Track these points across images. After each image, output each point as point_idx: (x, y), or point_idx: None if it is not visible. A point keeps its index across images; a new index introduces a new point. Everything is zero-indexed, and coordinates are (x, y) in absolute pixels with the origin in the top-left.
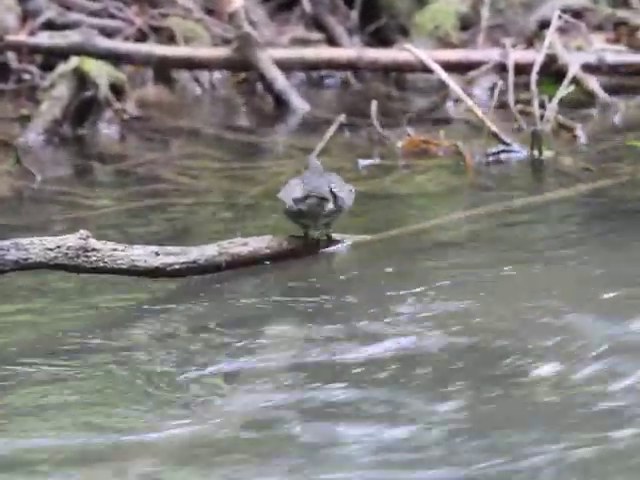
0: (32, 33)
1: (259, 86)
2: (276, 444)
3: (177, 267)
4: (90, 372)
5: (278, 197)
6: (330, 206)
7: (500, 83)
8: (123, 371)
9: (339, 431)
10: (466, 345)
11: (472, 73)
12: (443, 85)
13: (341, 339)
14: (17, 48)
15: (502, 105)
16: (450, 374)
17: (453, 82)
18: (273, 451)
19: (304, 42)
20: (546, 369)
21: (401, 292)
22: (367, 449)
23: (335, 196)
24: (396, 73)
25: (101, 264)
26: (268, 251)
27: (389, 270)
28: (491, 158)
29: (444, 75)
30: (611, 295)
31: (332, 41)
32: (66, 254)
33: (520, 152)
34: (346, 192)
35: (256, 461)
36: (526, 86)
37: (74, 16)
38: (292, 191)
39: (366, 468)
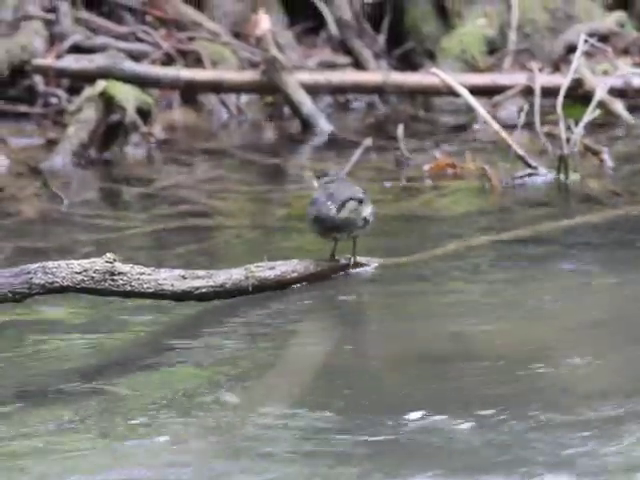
0: (59, 57)
1: (286, 109)
2: None
3: (204, 291)
4: None
5: (307, 213)
6: (368, 210)
7: (526, 107)
8: None
9: None
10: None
11: (498, 97)
12: (470, 108)
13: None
14: (44, 72)
15: (529, 128)
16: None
17: (480, 105)
18: None
19: (331, 66)
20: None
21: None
22: None
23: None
24: (422, 95)
25: (128, 288)
26: (295, 274)
27: (413, 293)
28: (517, 181)
29: (470, 98)
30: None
31: (359, 64)
32: (93, 278)
33: (546, 175)
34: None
35: None
36: (553, 109)
37: (101, 40)
38: (325, 202)
39: None
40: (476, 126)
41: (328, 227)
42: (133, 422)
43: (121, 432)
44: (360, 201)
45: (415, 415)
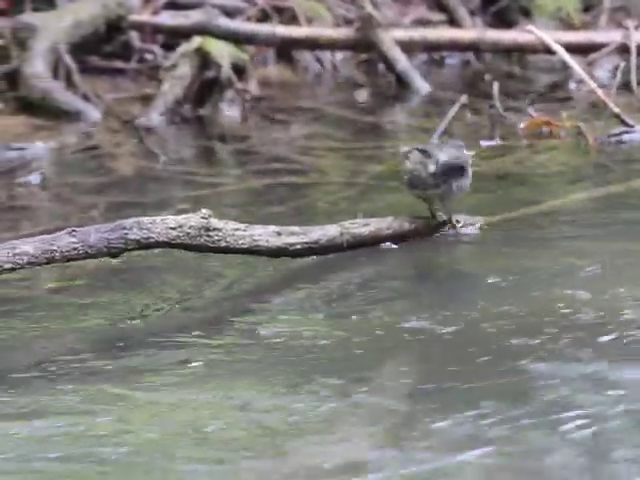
0: (155, 13)
1: (381, 66)
2: None
3: (299, 247)
4: None
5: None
6: (432, 167)
7: (622, 65)
8: None
9: None
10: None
11: (594, 55)
12: (565, 66)
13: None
14: (140, 28)
15: (625, 87)
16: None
17: (575, 63)
18: None
19: (426, 23)
20: None
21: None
22: None
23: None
24: (518, 53)
25: (223, 244)
26: (390, 232)
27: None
28: (614, 139)
29: (566, 56)
30: None
31: (454, 22)
32: (188, 234)
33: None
34: (467, 167)
35: None
36: None
37: None
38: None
39: None
40: (572, 84)
41: (406, 183)
42: None
43: None
44: (424, 152)
45: None
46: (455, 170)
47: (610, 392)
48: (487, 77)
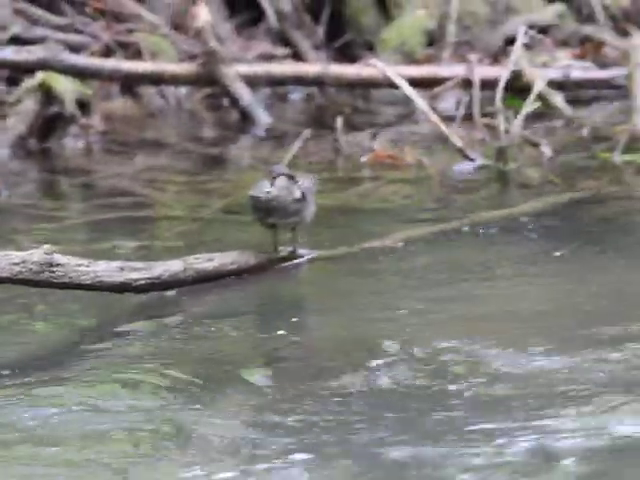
0: None
1: (225, 100)
2: None
3: (142, 283)
4: None
5: (248, 195)
6: (298, 193)
7: (465, 98)
8: None
9: None
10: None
11: (437, 89)
12: (409, 99)
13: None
14: None
15: (468, 119)
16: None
17: (419, 97)
18: None
19: (270, 57)
20: None
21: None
22: None
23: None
24: (362, 87)
25: (66, 279)
26: (234, 266)
27: (351, 286)
28: (456, 172)
29: (410, 90)
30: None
31: (298, 56)
32: (31, 269)
33: (485, 166)
34: (311, 199)
35: None
36: (492, 101)
37: (40, 31)
38: (261, 185)
39: None
40: (415, 118)
41: (261, 208)
42: None
43: None
44: (291, 178)
45: None
46: (308, 196)
47: None
48: (337, 114)
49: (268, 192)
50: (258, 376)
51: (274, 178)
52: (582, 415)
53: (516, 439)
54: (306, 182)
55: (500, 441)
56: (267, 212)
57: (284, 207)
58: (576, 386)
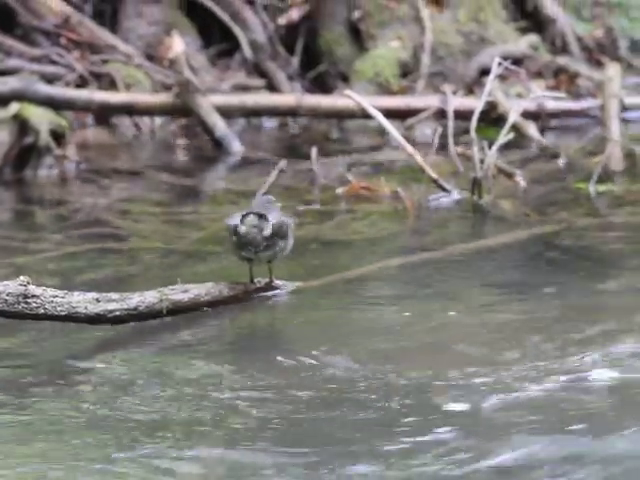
0: None
1: (199, 129)
2: None
3: (118, 314)
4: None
5: (224, 224)
6: (268, 230)
7: (440, 129)
8: None
9: None
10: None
11: (412, 119)
12: (383, 130)
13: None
14: None
15: (443, 150)
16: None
17: (393, 128)
18: None
19: (245, 88)
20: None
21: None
22: None
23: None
24: (336, 118)
25: (41, 311)
26: (209, 298)
27: (324, 317)
28: (431, 203)
29: (384, 121)
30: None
31: (273, 87)
32: (6, 301)
33: (460, 197)
34: (288, 229)
35: None
36: (467, 131)
37: (14, 62)
38: (235, 218)
39: None
40: (389, 148)
41: (234, 242)
42: None
43: None
44: (261, 216)
45: None
46: (282, 231)
47: None
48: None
49: (237, 228)
50: None
51: (244, 216)
52: None
53: None
54: (283, 217)
55: None
56: (239, 246)
57: (255, 243)
58: None
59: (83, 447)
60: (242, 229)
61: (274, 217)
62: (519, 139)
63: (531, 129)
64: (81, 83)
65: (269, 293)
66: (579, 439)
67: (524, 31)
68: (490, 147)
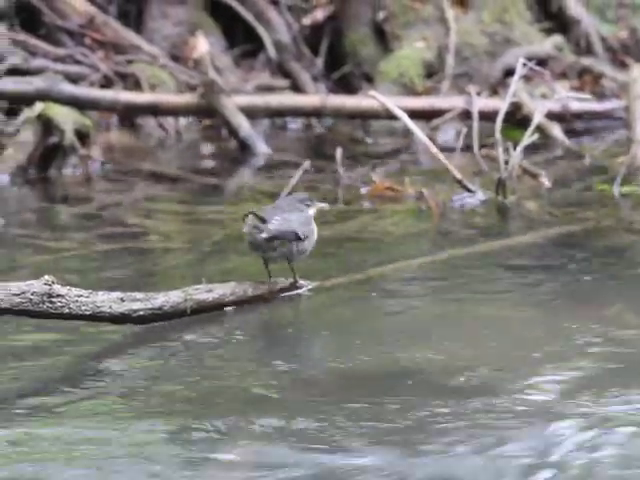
0: None
1: (224, 130)
2: None
3: (142, 313)
4: None
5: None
6: (265, 234)
7: (465, 130)
8: None
9: None
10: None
11: (437, 120)
12: (408, 131)
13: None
14: None
15: (467, 151)
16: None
17: (418, 129)
18: None
19: (269, 89)
20: None
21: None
22: None
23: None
24: (361, 119)
25: (66, 310)
26: (233, 297)
27: (348, 316)
28: (456, 204)
29: (409, 122)
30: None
31: (297, 88)
32: (31, 300)
33: (485, 198)
34: (306, 229)
35: None
36: (491, 132)
37: (39, 62)
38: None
39: None
40: (414, 149)
41: (250, 242)
42: None
43: None
44: (261, 219)
45: None
46: (289, 235)
47: None
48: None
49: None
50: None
51: (245, 216)
52: None
53: None
54: (303, 220)
55: None
56: (250, 246)
57: (257, 244)
58: None
59: None
60: (244, 229)
61: (283, 220)
62: (543, 140)
63: (555, 130)
64: (105, 83)
65: (293, 292)
66: None
67: (548, 32)
68: (515, 148)
